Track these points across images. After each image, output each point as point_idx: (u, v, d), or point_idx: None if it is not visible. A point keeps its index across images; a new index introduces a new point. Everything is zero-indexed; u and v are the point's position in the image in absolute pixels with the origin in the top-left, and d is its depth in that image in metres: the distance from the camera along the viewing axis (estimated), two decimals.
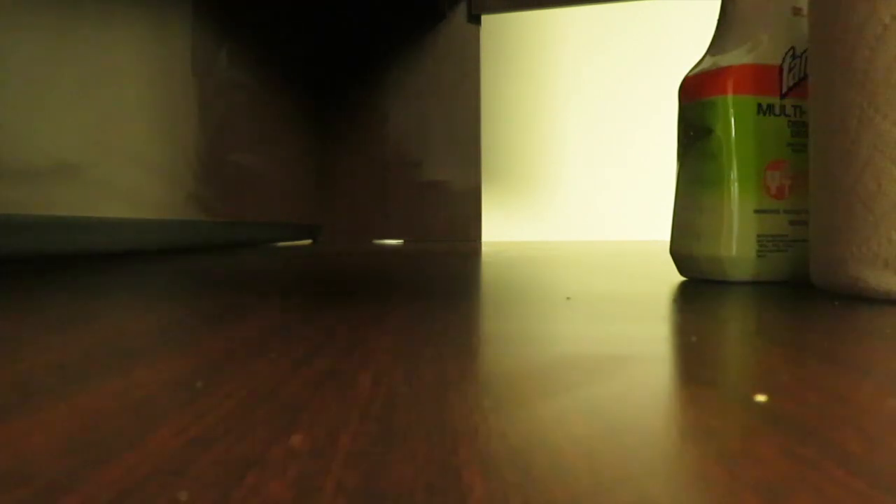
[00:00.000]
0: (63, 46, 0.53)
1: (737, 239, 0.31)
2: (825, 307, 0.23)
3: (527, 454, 0.09)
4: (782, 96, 0.31)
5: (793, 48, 0.31)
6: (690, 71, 0.34)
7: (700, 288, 0.31)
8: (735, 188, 0.31)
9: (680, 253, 0.34)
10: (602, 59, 1.22)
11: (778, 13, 0.32)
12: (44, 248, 0.49)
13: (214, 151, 0.80)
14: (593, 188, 1.22)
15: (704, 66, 0.33)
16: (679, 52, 1.19)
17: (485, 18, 1.22)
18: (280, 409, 0.11)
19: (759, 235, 0.31)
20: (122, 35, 0.61)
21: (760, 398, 0.11)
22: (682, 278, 0.36)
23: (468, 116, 1.16)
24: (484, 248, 0.81)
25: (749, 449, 0.09)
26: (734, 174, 0.31)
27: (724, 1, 0.33)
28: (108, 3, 0.59)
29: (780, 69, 0.31)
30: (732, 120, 0.31)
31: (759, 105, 0.31)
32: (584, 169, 1.22)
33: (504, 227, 1.23)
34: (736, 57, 0.32)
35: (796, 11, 0.32)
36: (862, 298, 0.25)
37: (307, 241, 1.12)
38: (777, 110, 0.31)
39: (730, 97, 0.31)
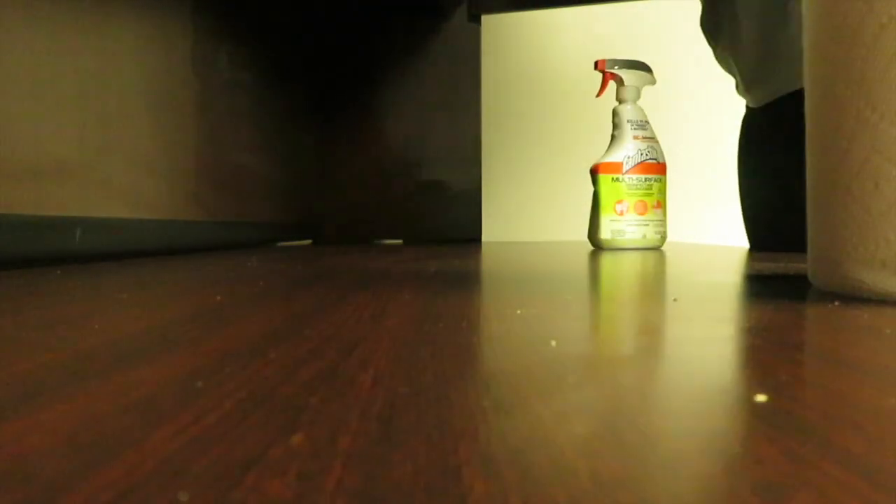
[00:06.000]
0: (63, 46, 0.53)
1: (602, 232, 0.71)
2: (825, 307, 0.23)
3: (527, 454, 0.09)
4: (623, 174, 0.71)
5: (628, 153, 0.71)
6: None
7: (699, 288, 0.31)
8: (602, 210, 0.72)
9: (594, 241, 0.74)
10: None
11: (628, 134, 0.73)
12: (44, 248, 0.49)
13: (214, 151, 0.80)
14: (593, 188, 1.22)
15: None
16: (679, 53, 1.19)
17: (485, 18, 1.22)
18: (280, 409, 0.11)
19: (612, 230, 0.71)
20: (122, 35, 0.61)
21: (760, 398, 0.11)
22: (682, 278, 0.36)
23: (468, 116, 1.16)
24: (484, 248, 0.81)
25: (749, 449, 0.09)
26: (601, 205, 0.72)
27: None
28: (108, 3, 0.59)
29: (621, 163, 0.71)
30: (601, 183, 0.72)
31: (611, 178, 0.71)
32: (585, 169, 1.22)
33: (504, 227, 1.23)
34: (605, 157, 0.72)
35: (641, 125, 0.74)
36: (861, 298, 0.25)
37: (307, 241, 1.12)
38: (621, 179, 0.71)
39: (600, 175, 0.72)
